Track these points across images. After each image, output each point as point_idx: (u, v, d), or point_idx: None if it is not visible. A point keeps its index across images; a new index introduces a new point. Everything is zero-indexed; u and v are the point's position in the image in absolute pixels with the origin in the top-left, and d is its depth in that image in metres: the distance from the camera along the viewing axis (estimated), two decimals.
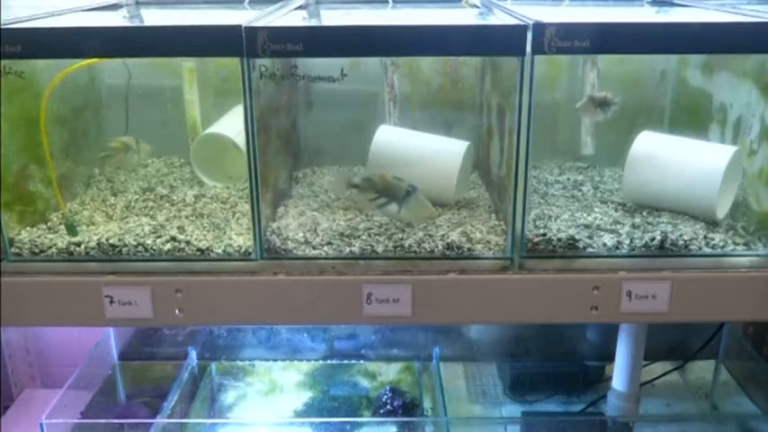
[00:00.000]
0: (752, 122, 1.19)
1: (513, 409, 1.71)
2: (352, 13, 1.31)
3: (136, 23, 1.21)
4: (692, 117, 1.43)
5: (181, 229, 1.16)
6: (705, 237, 1.11)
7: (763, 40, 0.99)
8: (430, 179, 1.21)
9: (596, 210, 1.23)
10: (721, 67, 1.31)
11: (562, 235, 1.10)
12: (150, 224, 1.18)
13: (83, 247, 1.10)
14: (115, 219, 1.22)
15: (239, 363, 1.89)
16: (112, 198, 1.31)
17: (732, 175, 1.17)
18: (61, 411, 1.50)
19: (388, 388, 1.77)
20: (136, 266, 1.09)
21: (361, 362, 1.88)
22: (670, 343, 1.82)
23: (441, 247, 1.10)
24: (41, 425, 1.43)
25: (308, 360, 1.89)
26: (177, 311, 1.07)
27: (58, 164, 1.26)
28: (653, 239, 1.10)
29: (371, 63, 1.38)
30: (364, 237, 1.13)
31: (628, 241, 1.11)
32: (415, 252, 1.09)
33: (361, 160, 1.30)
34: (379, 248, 1.10)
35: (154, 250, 1.10)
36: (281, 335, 1.89)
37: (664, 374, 1.78)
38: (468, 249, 1.10)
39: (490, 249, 1.10)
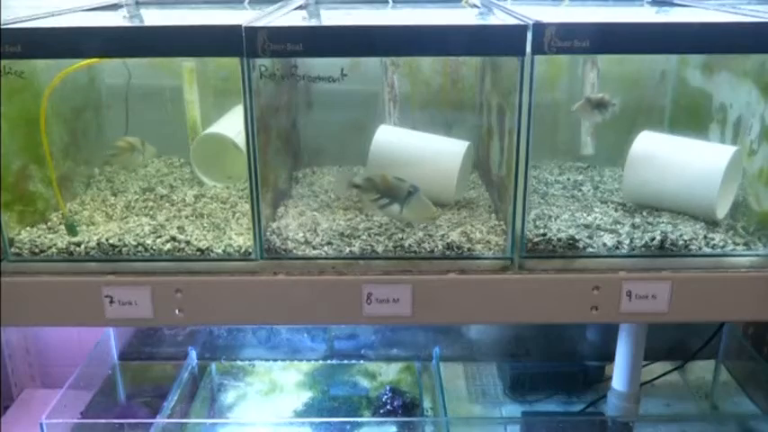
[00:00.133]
0: (752, 122, 1.19)
1: (513, 409, 1.71)
2: (352, 13, 1.31)
3: (136, 23, 1.21)
4: (692, 117, 1.43)
5: (181, 229, 1.16)
6: (705, 237, 1.11)
7: (763, 40, 0.99)
8: (430, 179, 1.21)
9: (596, 210, 1.23)
10: (721, 67, 1.31)
11: (562, 235, 1.10)
12: (150, 224, 1.18)
13: (83, 247, 1.10)
14: (115, 219, 1.22)
15: (239, 363, 1.89)
16: (112, 198, 1.31)
17: (732, 175, 1.17)
18: (61, 411, 1.50)
19: (388, 388, 1.77)
20: (136, 266, 1.09)
21: (361, 362, 1.88)
22: (670, 343, 1.82)
23: (441, 247, 1.10)
24: (41, 425, 1.43)
25: (308, 360, 1.89)
26: (177, 311, 1.07)
27: (58, 164, 1.26)
28: (653, 239, 1.10)
29: (371, 63, 1.38)
30: (364, 237, 1.13)
31: (628, 241, 1.11)
32: (415, 252, 1.09)
33: (361, 160, 1.30)
34: (379, 248, 1.10)
35: (154, 250, 1.10)
36: (281, 335, 1.89)
37: (664, 374, 1.78)
38: (468, 249, 1.10)
39: (490, 249, 1.10)
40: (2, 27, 0.97)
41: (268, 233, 1.13)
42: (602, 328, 1.83)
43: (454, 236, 1.12)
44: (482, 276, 1.08)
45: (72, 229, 1.14)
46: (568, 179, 1.41)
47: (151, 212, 1.24)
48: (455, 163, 1.25)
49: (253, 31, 0.97)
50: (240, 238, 1.13)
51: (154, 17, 1.33)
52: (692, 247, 1.10)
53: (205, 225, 1.18)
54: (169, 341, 1.88)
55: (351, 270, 1.08)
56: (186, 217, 1.22)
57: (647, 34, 1.00)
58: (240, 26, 0.97)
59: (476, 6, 1.34)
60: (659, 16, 1.26)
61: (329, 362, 1.88)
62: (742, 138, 1.23)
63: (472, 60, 1.48)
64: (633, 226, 1.15)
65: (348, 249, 1.10)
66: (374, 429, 1.62)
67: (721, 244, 1.10)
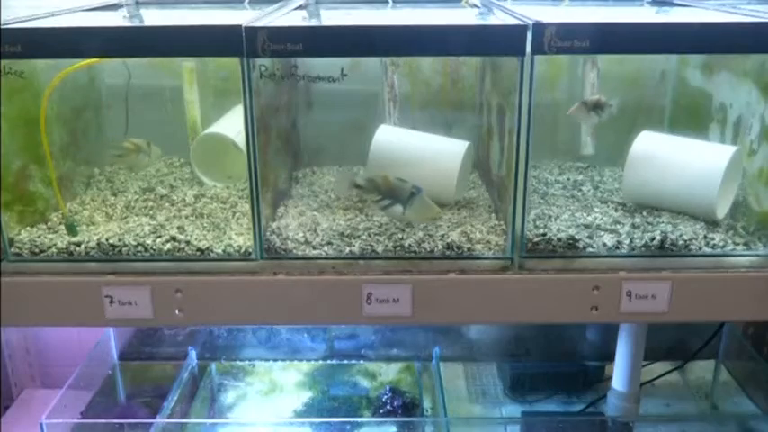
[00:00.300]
0: (752, 122, 1.19)
1: (513, 409, 1.71)
2: (352, 13, 1.31)
3: (136, 23, 1.21)
4: (692, 117, 1.43)
5: (181, 229, 1.16)
6: (705, 237, 1.11)
7: (763, 40, 0.99)
8: (430, 179, 1.21)
9: (596, 210, 1.23)
10: (721, 67, 1.31)
11: (562, 235, 1.10)
12: (150, 224, 1.18)
13: (83, 247, 1.10)
14: (115, 219, 1.22)
15: (239, 363, 1.89)
16: (112, 198, 1.31)
17: (732, 175, 1.17)
18: (61, 411, 1.50)
19: (388, 388, 1.77)
20: (136, 266, 1.09)
21: (361, 362, 1.88)
22: (670, 343, 1.82)
23: (441, 247, 1.10)
24: (41, 425, 1.43)
25: (308, 360, 1.89)
26: (177, 311, 1.07)
27: (58, 164, 1.26)
28: (653, 239, 1.10)
29: (371, 63, 1.38)
30: (364, 237, 1.13)
31: (628, 241, 1.11)
32: (415, 252, 1.09)
33: (361, 160, 1.30)
34: (379, 248, 1.10)
35: (154, 250, 1.10)
36: (281, 335, 1.89)
37: (664, 374, 1.78)
38: (468, 249, 1.10)
39: (490, 249, 1.10)
40: (2, 27, 0.97)
41: (268, 233, 1.13)
42: (602, 328, 1.83)
43: (454, 236, 1.12)
44: (482, 276, 1.08)
45: (72, 229, 1.14)
46: (568, 179, 1.41)
47: (151, 212, 1.24)
48: (455, 163, 1.25)
49: (253, 31, 0.97)
50: (240, 238, 1.13)
51: (154, 17, 1.33)
52: (692, 247, 1.10)
53: (205, 225, 1.18)
54: (169, 341, 1.87)
55: (351, 270, 1.08)
56: (186, 217, 1.22)
57: (647, 34, 1.00)
58: (240, 26, 0.97)
59: (476, 6, 1.34)
60: (659, 16, 1.26)
61: (329, 362, 1.88)
62: (742, 138, 1.23)
63: (472, 60, 1.48)
64: (633, 226, 1.15)
65: (348, 249, 1.10)
66: (374, 429, 1.62)
67: (721, 244, 1.10)
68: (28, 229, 1.17)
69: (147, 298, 1.06)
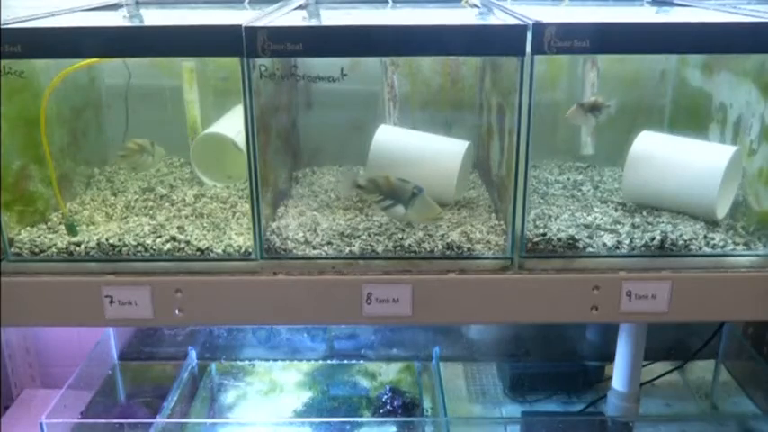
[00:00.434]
0: (752, 122, 1.19)
1: (513, 409, 1.71)
2: (352, 13, 1.31)
3: (136, 23, 1.21)
4: (691, 117, 1.43)
5: (181, 228, 1.16)
6: (705, 237, 1.11)
7: (763, 40, 0.99)
8: (430, 179, 1.21)
9: (596, 210, 1.23)
10: (721, 67, 1.31)
11: (562, 235, 1.10)
12: (150, 224, 1.18)
13: (83, 247, 1.10)
14: (115, 219, 1.22)
15: (239, 363, 1.89)
16: (112, 198, 1.31)
17: (732, 175, 1.17)
18: (61, 411, 1.50)
19: (388, 388, 1.77)
20: (136, 266, 1.09)
21: (361, 362, 1.88)
22: (670, 343, 1.82)
23: (441, 247, 1.10)
24: (41, 425, 1.43)
25: (308, 360, 1.89)
26: (177, 311, 1.07)
27: (58, 164, 1.26)
28: (653, 239, 1.10)
29: (371, 63, 1.38)
30: (364, 237, 1.13)
31: (628, 241, 1.11)
32: (414, 252, 1.09)
33: (361, 160, 1.30)
34: (379, 248, 1.10)
35: (154, 250, 1.10)
36: (281, 335, 1.89)
37: (664, 374, 1.78)
38: (468, 249, 1.10)
39: (490, 249, 1.10)
40: (2, 27, 0.97)
41: (268, 233, 1.13)
42: (602, 328, 1.83)
43: (454, 236, 1.12)
44: (482, 276, 1.08)
45: (72, 229, 1.14)
46: (568, 179, 1.41)
47: (151, 212, 1.24)
48: (455, 163, 1.25)
49: (253, 31, 0.97)
50: (240, 238, 1.13)
51: (154, 17, 1.33)
52: (692, 246, 1.10)
53: (205, 225, 1.18)
54: (169, 341, 1.88)
55: (351, 270, 1.08)
56: (186, 217, 1.22)
57: (647, 34, 1.00)
58: (240, 26, 0.97)
59: (476, 6, 1.34)
60: (659, 16, 1.26)
61: (329, 362, 1.88)
62: (742, 138, 1.23)
63: (472, 60, 1.48)
64: (633, 226, 1.15)
65: (348, 249, 1.10)
66: (374, 429, 1.62)
67: (721, 244, 1.10)
68: (28, 229, 1.17)
69: (147, 298, 1.06)
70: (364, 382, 1.82)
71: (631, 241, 1.10)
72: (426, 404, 1.73)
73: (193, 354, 1.83)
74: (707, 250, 1.10)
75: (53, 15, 1.18)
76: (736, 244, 1.10)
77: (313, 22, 1.18)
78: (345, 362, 1.88)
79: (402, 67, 1.41)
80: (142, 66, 1.43)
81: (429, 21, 1.10)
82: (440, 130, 1.33)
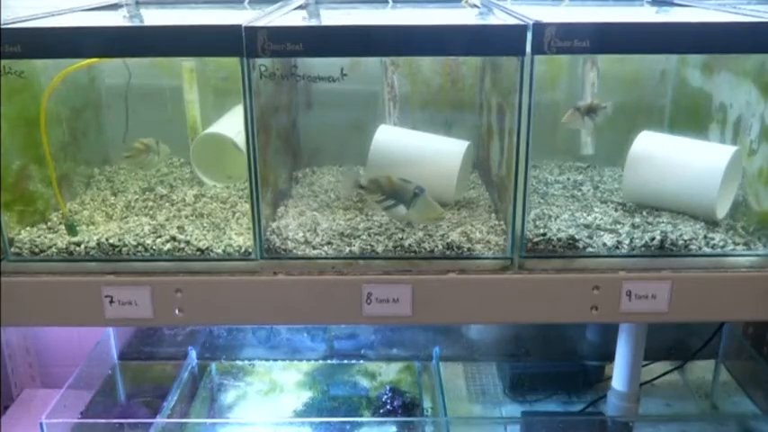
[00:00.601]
0: (752, 122, 1.19)
1: (513, 409, 1.71)
2: (352, 13, 1.31)
3: (136, 23, 1.21)
4: (691, 117, 1.43)
5: (181, 228, 1.16)
6: (705, 237, 1.11)
7: (763, 40, 0.99)
8: (430, 179, 1.21)
9: (596, 210, 1.23)
10: (721, 67, 1.31)
11: (562, 235, 1.10)
12: (150, 224, 1.18)
13: (83, 246, 1.10)
14: (115, 219, 1.22)
15: (239, 363, 1.88)
16: (112, 198, 1.31)
17: (732, 175, 1.17)
18: (61, 411, 1.50)
19: (388, 388, 1.77)
20: (136, 266, 1.09)
21: (361, 362, 1.88)
22: (670, 343, 1.82)
23: (441, 246, 1.10)
24: (41, 425, 1.43)
25: (308, 360, 1.89)
26: (177, 311, 1.07)
27: (58, 164, 1.26)
28: (653, 239, 1.10)
29: (371, 63, 1.38)
30: (364, 237, 1.13)
31: (628, 241, 1.11)
32: (414, 252, 1.09)
33: (361, 160, 1.30)
34: (379, 248, 1.10)
35: (154, 250, 1.10)
36: (281, 335, 1.89)
37: (664, 374, 1.78)
38: (468, 249, 1.10)
39: (490, 249, 1.10)
40: (2, 27, 0.97)
41: (268, 233, 1.13)
42: (602, 328, 1.83)
43: (454, 236, 1.12)
44: (482, 276, 1.08)
45: (72, 229, 1.14)
46: (568, 179, 1.41)
47: (151, 212, 1.24)
48: (455, 163, 1.25)
49: (253, 31, 0.97)
50: (240, 237, 1.13)
51: (154, 17, 1.33)
52: (692, 246, 1.10)
53: (205, 225, 1.18)
54: (169, 341, 1.88)
55: (351, 270, 1.08)
56: (186, 217, 1.22)
57: (647, 34, 1.00)
58: (240, 26, 0.97)
59: (476, 6, 1.34)
60: (659, 16, 1.26)
61: (329, 362, 1.88)
62: (742, 138, 1.23)
63: (472, 60, 1.48)
64: (633, 226, 1.15)
65: (348, 249, 1.10)
66: (374, 429, 1.62)
67: (721, 244, 1.10)
68: (28, 228, 1.17)
69: (147, 298, 1.06)
70: (364, 382, 1.82)
71: (631, 241, 1.10)
72: (426, 404, 1.73)
73: (193, 354, 1.83)
74: (707, 250, 1.10)
75: (53, 15, 1.18)
76: (736, 244, 1.10)
77: (313, 22, 1.18)
78: (345, 362, 1.88)
79: (402, 67, 1.41)
80: (142, 66, 1.43)
81: (429, 21, 1.10)
82: (440, 130, 1.33)
